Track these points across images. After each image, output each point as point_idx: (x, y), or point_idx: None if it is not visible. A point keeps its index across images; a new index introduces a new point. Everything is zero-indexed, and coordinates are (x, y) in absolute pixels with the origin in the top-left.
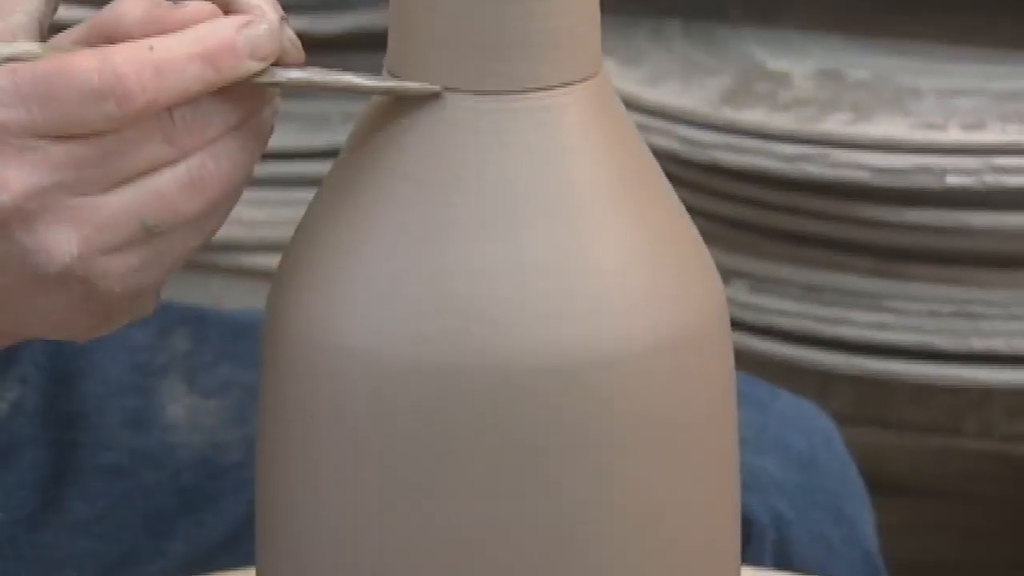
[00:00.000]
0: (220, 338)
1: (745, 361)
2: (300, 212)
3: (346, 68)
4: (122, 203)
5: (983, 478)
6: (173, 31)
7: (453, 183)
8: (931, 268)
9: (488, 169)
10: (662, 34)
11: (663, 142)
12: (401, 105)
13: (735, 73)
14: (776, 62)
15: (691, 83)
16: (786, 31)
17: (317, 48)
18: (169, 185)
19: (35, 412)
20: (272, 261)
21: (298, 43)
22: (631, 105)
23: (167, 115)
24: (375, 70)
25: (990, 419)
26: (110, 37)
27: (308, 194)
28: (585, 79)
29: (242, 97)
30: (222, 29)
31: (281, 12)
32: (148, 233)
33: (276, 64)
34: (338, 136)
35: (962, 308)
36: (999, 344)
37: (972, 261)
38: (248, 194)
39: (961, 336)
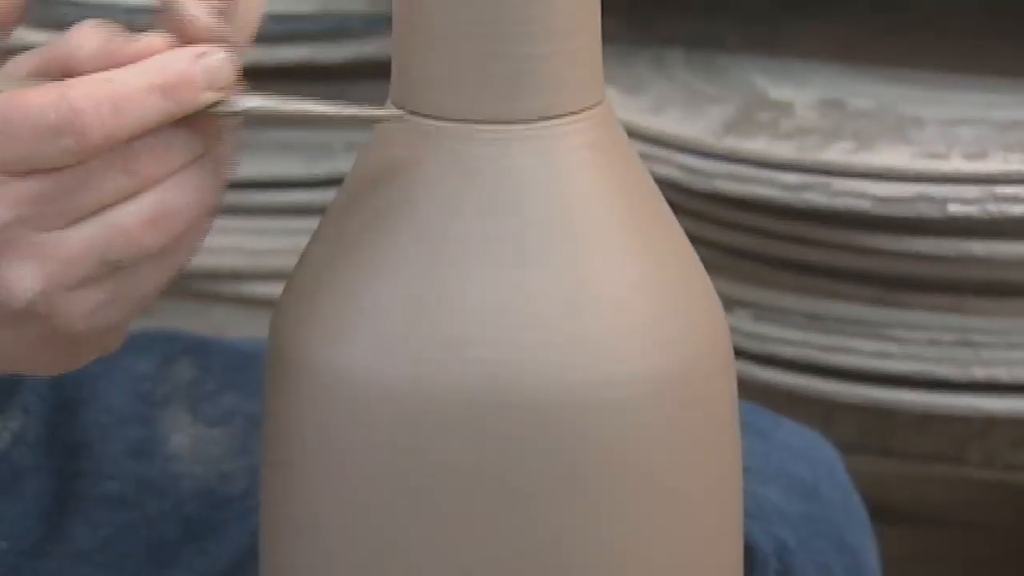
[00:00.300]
0: (223, 367)
1: (748, 390)
2: (303, 241)
3: (350, 97)
4: (84, 238)
5: (986, 507)
6: (128, 64)
7: (453, 215)
8: (933, 297)
9: (490, 199)
10: (664, 63)
11: (665, 171)
12: (404, 135)
13: (737, 102)
14: (778, 91)
15: (693, 112)
16: (788, 60)
17: (320, 77)
18: (131, 219)
19: (38, 441)
20: (275, 290)
21: (215, 26)
22: (633, 134)
23: (127, 148)
24: (379, 99)
25: (993, 448)
26: (65, 68)
27: (311, 223)
28: (587, 109)
29: (202, 127)
30: (178, 61)
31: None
32: (111, 268)
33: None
34: (341, 165)
35: (964, 337)
36: (1001, 373)
37: (974, 290)
38: (251, 223)
39: (963, 365)
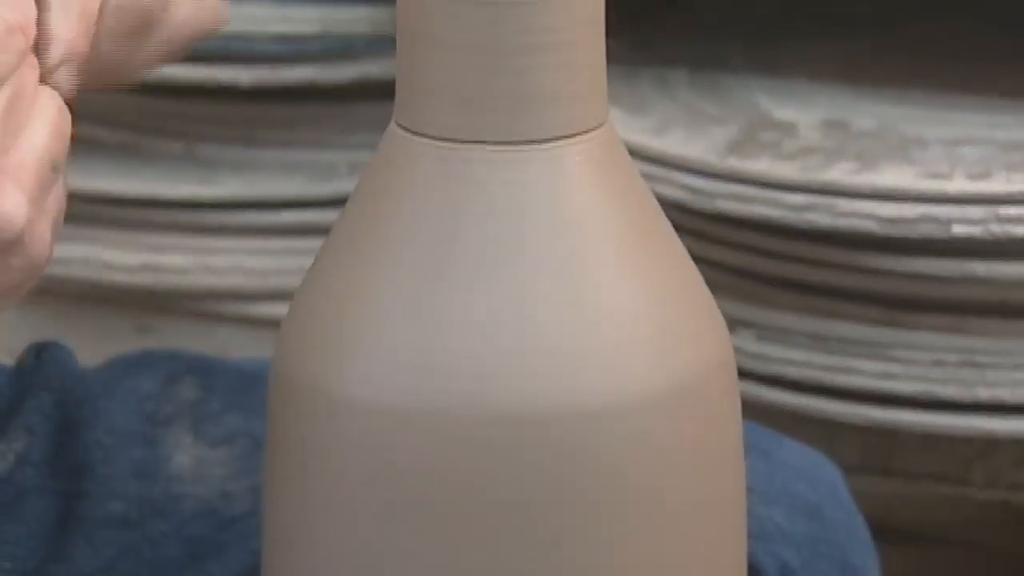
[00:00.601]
0: (227, 387)
1: (751, 410)
2: (306, 261)
3: (354, 118)
4: (35, 147)
5: (989, 527)
6: None
7: (457, 234)
8: (937, 317)
9: (493, 220)
10: (668, 83)
11: (669, 191)
12: (407, 156)
13: (741, 122)
14: (782, 111)
15: (696, 132)
16: (791, 81)
17: (325, 98)
18: (54, 113)
19: (41, 462)
20: (278, 310)
21: None
22: (636, 154)
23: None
24: (382, 119)
25: (996, 468)
26: None
27: (314, 243)
28: (591, 130)
29: None
30: None
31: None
32: (56, 172)
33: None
34: (344, 185)
35: (968, 357)
36: (1005, 393)
37: (978, 310)
38: (254, 243)
39: (967, 385)
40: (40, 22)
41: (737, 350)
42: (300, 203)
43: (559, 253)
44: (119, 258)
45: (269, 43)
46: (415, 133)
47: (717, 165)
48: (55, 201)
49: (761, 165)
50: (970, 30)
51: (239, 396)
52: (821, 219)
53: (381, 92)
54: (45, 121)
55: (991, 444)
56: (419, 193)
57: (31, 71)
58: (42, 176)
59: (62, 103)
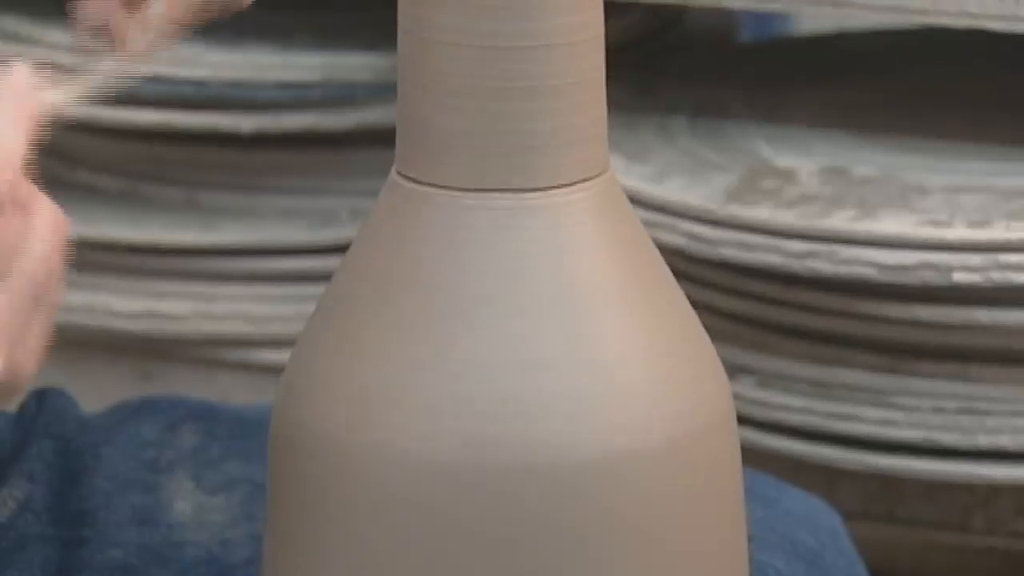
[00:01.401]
0: (228, 434)
1: (752, 457)
2: (307, 308)
3: (355, 165)
4: (15, 287)
5: (990, 575)
6: None
7: (458, 283)
8: (937, 364)
9: (494, 267)
10: (668, 130)
11: (669, 238)
12: (408, 204)
13: (741, 169)
14: (782, 159)
15: (697, 179)
16: (792, 128)
17: (325, 144)
18: (41, 248)
19: (43, 509)
20: (280, 356)
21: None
22: (637, 201)
23: (6, 185)
24: (383, 166)
25: (997, 516)
26: None
27: (315, 289)
28: (592, 178)
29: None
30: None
31: None
32: (39, 303)
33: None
34: (345, 232)
35: (968, 404)
36: (1006, 440)
37: (978, 358)
38: (255, 289)
39: (968, 432)
40: None
41: (737, 397)
42: (301, 250)
43: (560, 302)
44: (121, 305)
45: (270, 90)
46: (416, 181)
47: (718, 212)
48: (41, 324)
49: (762, 212)
50: (969, 78)
51: (240, 443)
52: (821, 266)
53: (382, 139)
54: (31, 256)
55: (992, 491)
56: (420, 241)
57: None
58: (18, 312)
59: (56, 217)
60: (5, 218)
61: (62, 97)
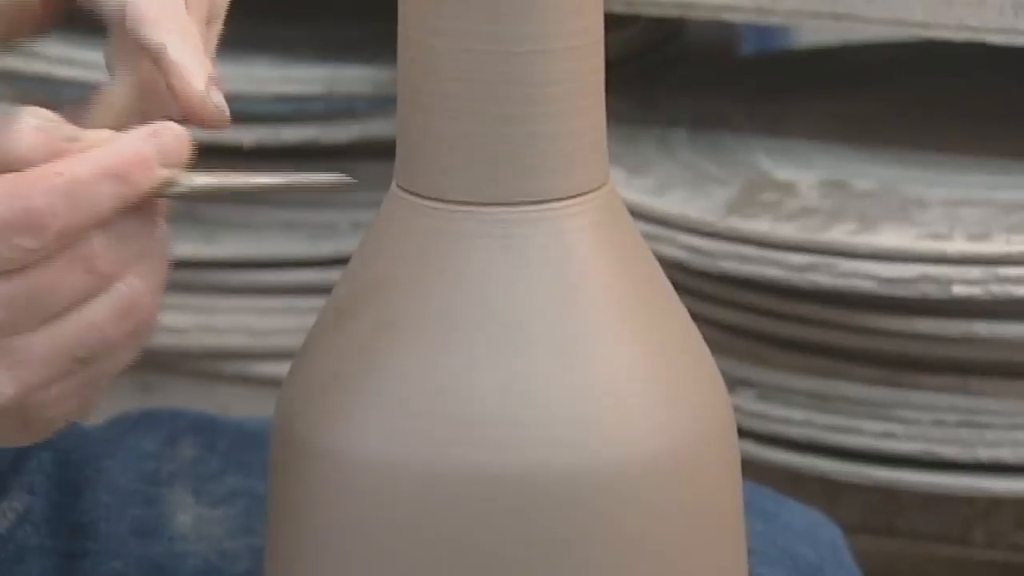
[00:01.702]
0: (228, 447)
1: (752, 470)
2: (307, 320)
3: (356, 177)
4: (54, 339)
5: None
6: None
7: (459, 295)
8: (937, 377)
9: (494, 281)
10: (669, 143)
11: (670, 251)
12: (408, 217)
13: (741, 182)
14: (782, 171)
15: (698, 192)
16: (792, 141)
17: (326, 156)
18: (101, 315)
19: (42, 521)
20: (279, 369)
21: (224, 108)
22: (638, 214)
23: (86, 244)
24: (384, 179)
25: (997, 529)
26: (9, 168)
27: (315, 302)
28: (592, 191)
29: (152, 211)
30: (129, 143)
31: (211, 72)
32: (82, 364)
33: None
34: (346, 244)
35: (968, 417)
36: (1005, 453)
37: (978, 370)
38: (255, 302)
39: (968, 445)
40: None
41: (737, 410)
42: (301, 262)
43: (560, 314)
44: None
45: (271, 103)
46: (416, 194)
47: (718, 225)
48: (85, 379)
49: (762, 225)
50: (969, 91)
51: (240, 455)
52: (821, 279)
53: (383, 152)
54: (74, 322)
55: (992, 504)
56: (420, 254)
57: (70, 265)
58: (54, 364)
59: (134, 301)
60: (64, 271)
61: (181, 178)
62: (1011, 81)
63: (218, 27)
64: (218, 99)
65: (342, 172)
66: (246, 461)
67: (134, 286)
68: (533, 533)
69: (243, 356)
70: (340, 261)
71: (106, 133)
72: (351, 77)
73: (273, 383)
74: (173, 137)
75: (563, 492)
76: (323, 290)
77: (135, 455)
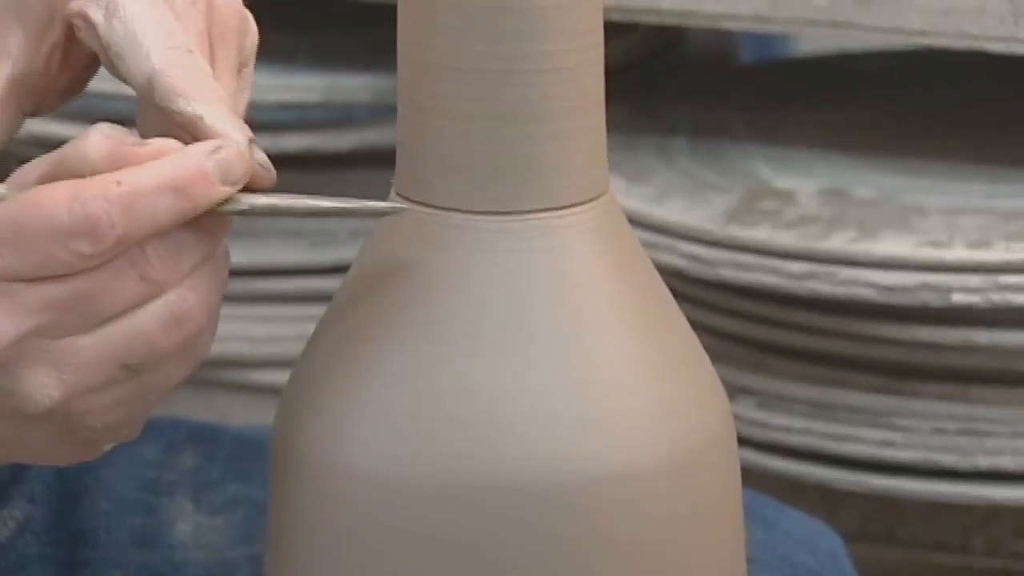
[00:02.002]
0: (228, 455)
1: (752, 478)
2: (307, 328)
3: (355, 185)
4: (102, 344)
5: None
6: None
7: (458, 303)
8: (937, 385)
9: (494, 289)
10: (668, 152)
11: (669, 259)
12: (409, 225)
13: (741, 191)
14: (782, 180)
15: (697, 201)
16: (791, 149)
17: (325, 165)
18: (150, 324)
19: (43, 530)
20: (278, 377)
21: (269, 165)
22: (637, 222)
23: (140, 252)
24: (383, 187)
25: (997, 537)
26: (74, 175)
27: (315, 310)
28: (591, 200)
29: (212, 226)
30: (191, 157)
31: (250, 135)
32: (130, 371)
33: (244, 190)
34: (345, 252)
35: (968, 425)
36: (1005, 461)
37: (978, 378)
38: (254, 310)
39: (967, 453)
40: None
41: (737, 418)
42: (301, 270)
43: (559, 322)
44: None
45: (271, 111)
46: (416, 202)
47: (717, 233)
48: (134, 389)
49: (761, 233)
50: (969, 99)
51: (240, 464)
52: (821, 287)
53: (382, 160)
54: (123, 328)
55: (992, 512)
56: (419, 262)
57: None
58: (101, 369)
59: (185, 312)
60: (116, 277)
61: (240, 196)
62: (1010, 89)
63: (249, 72)
64: (262, 158)
65: (341, 180)
66: (246, 469)
67: (185, 297)
68: (531, 543)
69: (243, 364)
70: (340, 269)
71: (173, 144)
72: (350, 85)
73: (273, 391)
74: (235, 154)
75: (562, 500)
76: (323, 298)
77: (135, 463)
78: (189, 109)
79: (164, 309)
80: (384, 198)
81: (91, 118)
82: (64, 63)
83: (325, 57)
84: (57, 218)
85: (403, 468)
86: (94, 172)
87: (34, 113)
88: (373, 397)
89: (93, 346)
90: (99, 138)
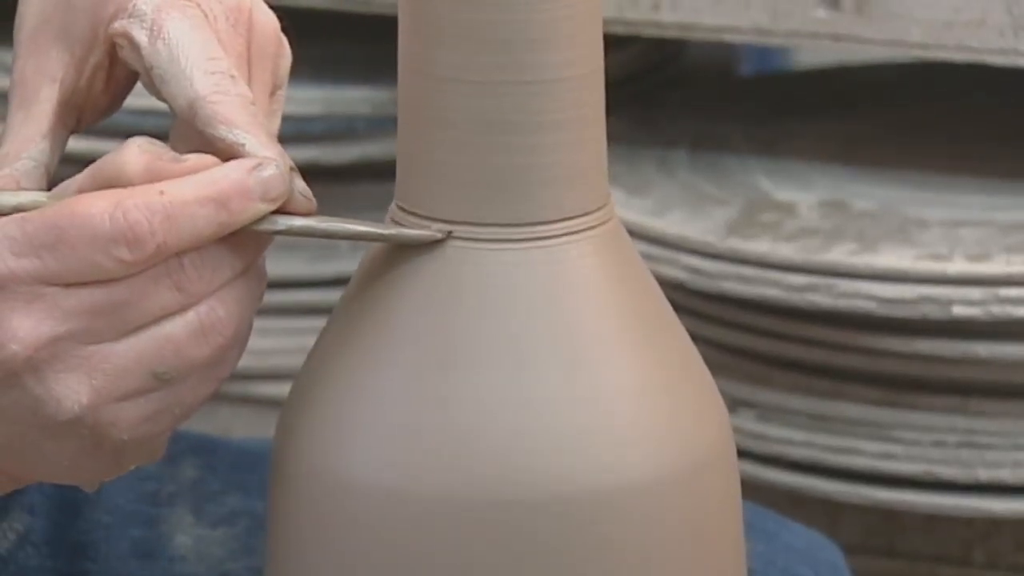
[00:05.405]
0: (228, 467)
1: (752, 490)
2: (307, 341)
3: (356, 198)
4: (133, 352)
5: None
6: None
7: (458, 317)
8: (937, 398)
9: (493, 302)
10: (669, 164)
11: (669, 271)
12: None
13: (741, 203)
14: (782, 192)
15: (697, 213)
16: (792, 162)
17: (326, 178)
18: (179, 333)
19: (43, 542)
20: (280, 389)
21: (309, 195)
22: (637, 235)
23: (177, 262)
24: (383, 199)
25: (997, 549)
26: (112, 187)
27: (316, 323)
28: (592, 212)
29: (248, 243)
30: (233, 171)
31: (291, 163)
32: (159, 381)
33: (280, 211)
34: (346, 265)
35: (968, 438)
36: (1005, 474)
37: (978, 391)
38: (256, 322)
39: (968, 466)
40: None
41: (737, 430)
42: (302, 283)
43: (560, 335)
44: None
45: None
46: (416, 214)
47: (717, 246)
48: (162, 400)
49: (761, 246)
50: (969, 112)
51: (240, 476)
52: (821, 300)
53: (382, 172)
54: (154, 336)
55: (992, 525)
56: (420, 275)
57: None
58: (130, 376)
59: (213, 324)
60: (152, 286)
61: (279, 215)
62: (1011, 102)
63: (282, 95)
64: (302, 187)
65: (342, 192)
66: (246, 482)
67: (215, 309)
68: (532, 555)
69: (244, 376)
70: (340, 281)
71: (210, 159)
72: (350, 98)
73: (274, 403)
74: (275, 173)
75: (562, 514)
76: (323, 310)
77: (135, 475)
78: (231, 137)
79: (194, 319)
80: (385, 210)
81: (121, 134)
82: (107, 82)
83: (325, 69)
84: (99, 224)
85: (405, 481)
86: (130, 185)
87: (75, 131)
88: (374, 409)
89: (124, 353)
90: (136, 151)
